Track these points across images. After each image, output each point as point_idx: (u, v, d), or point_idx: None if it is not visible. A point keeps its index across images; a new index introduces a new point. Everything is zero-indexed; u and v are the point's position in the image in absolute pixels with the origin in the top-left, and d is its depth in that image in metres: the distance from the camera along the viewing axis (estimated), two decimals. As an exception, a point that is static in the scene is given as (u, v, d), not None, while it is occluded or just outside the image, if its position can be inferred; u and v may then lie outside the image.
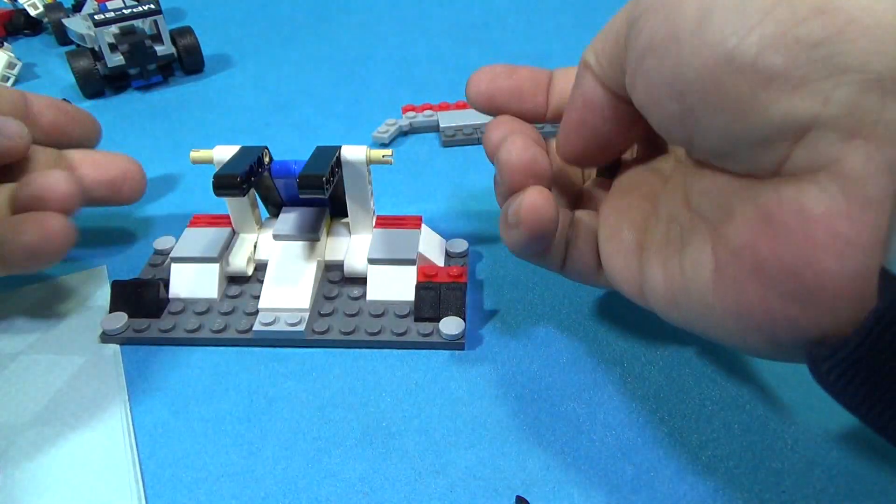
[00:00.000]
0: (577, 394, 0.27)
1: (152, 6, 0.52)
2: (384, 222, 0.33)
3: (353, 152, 0.30)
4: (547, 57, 0.55)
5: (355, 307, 0.30)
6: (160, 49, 0.53)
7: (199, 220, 0.34)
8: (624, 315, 0.30)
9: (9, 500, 0.23)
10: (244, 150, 0.30)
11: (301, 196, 0.27)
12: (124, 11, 0.51)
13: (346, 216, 0.33)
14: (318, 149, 0.30)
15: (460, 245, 0.34)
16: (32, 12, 0.63)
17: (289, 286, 0.30)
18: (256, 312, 0.30)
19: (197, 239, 0.32)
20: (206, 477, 0.24)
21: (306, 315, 0.30)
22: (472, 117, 0.45)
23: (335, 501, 0.23)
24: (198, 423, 0.26)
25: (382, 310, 0.30)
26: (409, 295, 0.30)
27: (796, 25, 0.16)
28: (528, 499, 0.23)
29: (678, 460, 0.24)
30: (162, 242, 0.34)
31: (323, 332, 0.29)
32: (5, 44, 0.58)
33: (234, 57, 0.59)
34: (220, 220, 0.33)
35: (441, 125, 0.44)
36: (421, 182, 0.40)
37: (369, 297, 0.31)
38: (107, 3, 0.55)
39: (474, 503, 0.23)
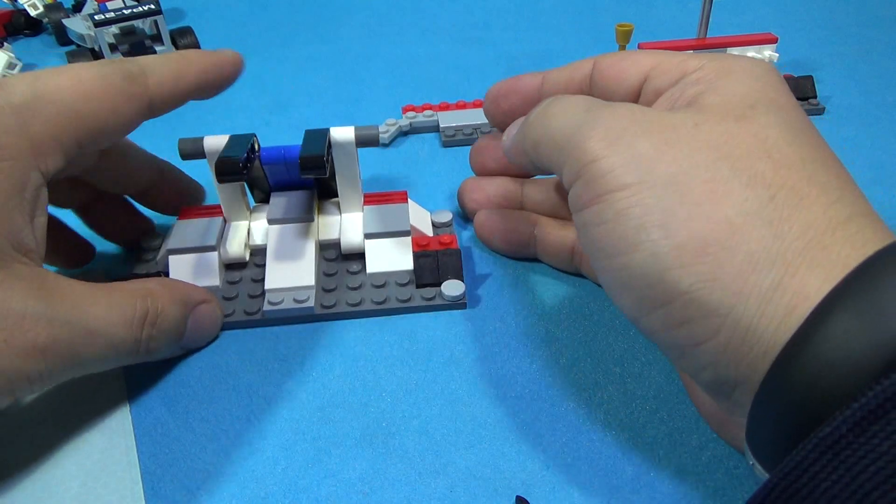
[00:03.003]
0: (577, 393, 0.27)
1: (152, 6, 0.52)
2: (372, 199, 0.34)
3: (342, 133, 0.31)
4: (547, 57, 0.55)
5: (357, 281, 0.31)
6: (160, 49, 0.53)
7: (188, 213, 0.34)
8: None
9: (9, 501, 0.23)
10: (235, 138, 0.30)
11: (303, 176, 0.28)
12: (124, 11, 0.51)
13: (333, 197, 0.34)
14: (309, 132, 0.30)
15: (445, 216, 0.35)
16: (32, 12, 0.63)
17: (291, 266, 0.31)
18: (261, 295, 0.31)
19: (191, 230, 0.32)
20: (206, 477, 0.24)
21: (313, 292, 0.30)
22: (472, 117, 0.45)
23: (335, 501, 0.23)
24: (198, 423, 0.26)
25: (383, 281, 0.31)
26: (407, 264, 0.32)
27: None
28: (528, 499, 0.23)
29: (678, 460, 0.24)
30: (149, 239, 0.34)
31: (331, 307, 0.30)
32: (5, 44, 0.58)
33: (234, 57, 0.59)
34: (210, 211, 0.34)
35: (441, 125, 0.44)
36: (421, 182, 0.40)
37: (369, 269, 0.32)
38: (107, 3, 0.55)
39: (474, 503, 0.23)
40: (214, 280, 0.31)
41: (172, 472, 0.24)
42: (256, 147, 0.31)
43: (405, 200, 0.34)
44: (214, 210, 0.34)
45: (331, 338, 0.30)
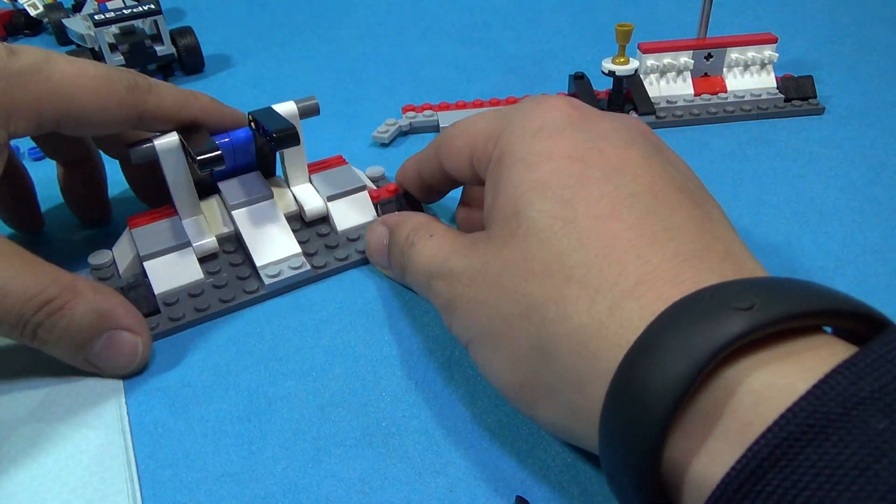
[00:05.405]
0: (577, 394, 0.27)
1: (152, 6, 0.52)
2: (315, 167, 0.36)
3: (285, 108, 0.33)
4: (547, 57, 0.55)
5: (333, 241, 0.34)
6: (160, 49, 0.53)
7: (138, 220, 0.33)
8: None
9: (4, 497, 0.23)
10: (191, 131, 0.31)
11: (278, 150, 0.32)
12: (124, 11, 0.51)
13: (275, 174, 0.36)
14: (257, 113, 0.32)
15: (377, 170, 0.39)
16: (32, 12, 0.63)
17: (272, 240, 0.33)
18: (251, 275, 0.32)
19: (154, 234, 0.32)
20: (206, 477, 0.24)
21: (303, 258, 0.32)
22: (472, 117, 0.45)
23: (335, 501, 0.23)
24: (198, 423, 0.26)
25: (357, 234, 0.34)
26: (371, 215, 0.35)
27: None
28: (528, 499, 0.23)
29: (678, 460, 0.24)
30: (98, 257, 0.33)
31: (323, 266, 0.33)
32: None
33: (234, 57, 0.59)
34: (159, 215, 0.33)
35: (441, 125, 0.44)
36: (421, 182, 0.40)
37: (340, 228, 0.34)
38: (107, 3, 0.55)
39: (474, 503, 0.23)
40: (197, 274, 0.32)
41: (172, 471, 0.24)
42: None
43: (345, 163, 0.36)
44: (162, 213, 0.33)
45: (330, 338, 0.30)
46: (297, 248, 0.32)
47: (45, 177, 0.44)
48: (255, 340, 0.30)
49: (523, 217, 0.22)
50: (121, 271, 0.32)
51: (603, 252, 0.20)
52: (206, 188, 0.34)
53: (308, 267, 0.32)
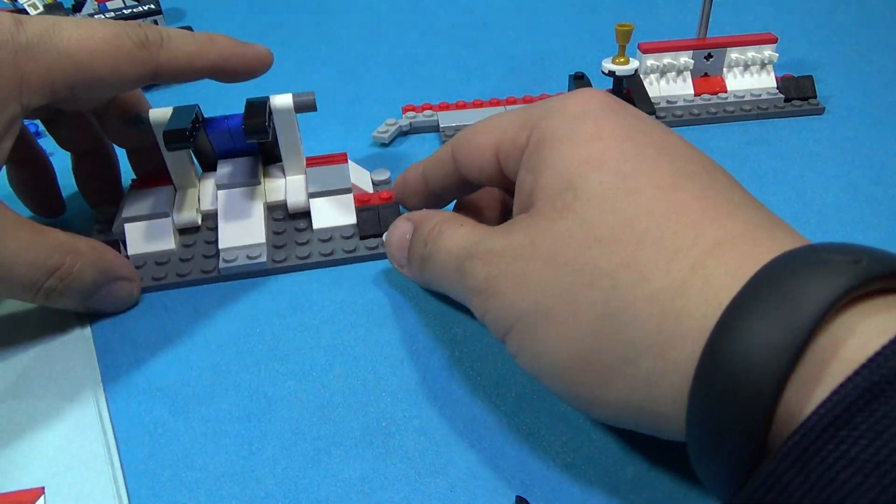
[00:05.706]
0: (577, 394, 0.27)
1: (152, 6, 0.52)
2: (314, 161, 0.36)
3: (281, 100, 0.33)
4: (547, 57, 0.55)
5: (305, 237, 0.34)
6: (160, 49, 0.53)
7: (139, 184, 0.35)
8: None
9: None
10: (179, 109, 0.32)
11: (249, 140, 0.31)
12: (124, 11, 0.51)
13: (277, 162, 0.36)
14: (249, 101, 0.32)
15: (383, 174, 0.38)
16: (32, 12, 0.63)
17: (242, 226, 0.33)
18: (215, 255, 0.33)
19: (143, 199, 0.34)
20: (206, 477, 0.24)
21: (264, 248, 0.33)
22: (472, 117, 0.45)
23: (335, 501, 0.23)
24: (197, 423, 0.26)
25: (329, 235, 0.34)
26: (351, 219, 0.34)
27: None
28: (528, 499, 0.23)
29: (679, 460, 0.24)
30: (104, 211, 0.36)
31: (282, 261, 0.33)
32: (5, 44, 0.58)
33: (234, 57, 0.59)
34: (160, 182, 0.35)
35: (441, 125, 0.44)
36: (421, 182, 0.40)
37: (316, 225, 0.34)
38: (107, 3, 0.55)
39: (474, 503, 0.23)
40: (169, 244, 0.33)
41: (172, 471, 0.24)
42: (200, 118, 0.32)
43: (345, 161, 0.36)
44: (165, 180, 0.35)
45: (330, 338, 0.30)
46: (261, 239, 0.33)
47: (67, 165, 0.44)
48: (255, 340, 0.30)
49: (581, 190, 0.21)
50: (114, 227, 0.34)
51: (675, 217, 0.19)
52: (212, 164, 0.35)
53: (265, 259, 0.32)
